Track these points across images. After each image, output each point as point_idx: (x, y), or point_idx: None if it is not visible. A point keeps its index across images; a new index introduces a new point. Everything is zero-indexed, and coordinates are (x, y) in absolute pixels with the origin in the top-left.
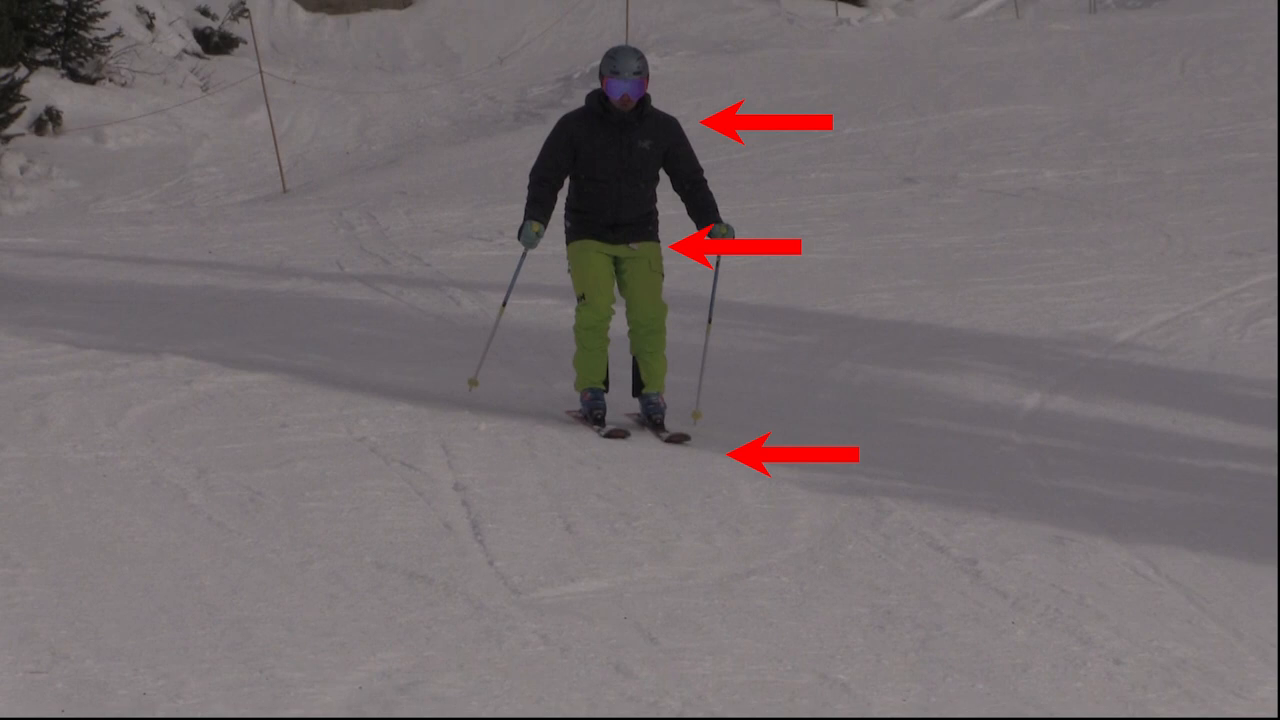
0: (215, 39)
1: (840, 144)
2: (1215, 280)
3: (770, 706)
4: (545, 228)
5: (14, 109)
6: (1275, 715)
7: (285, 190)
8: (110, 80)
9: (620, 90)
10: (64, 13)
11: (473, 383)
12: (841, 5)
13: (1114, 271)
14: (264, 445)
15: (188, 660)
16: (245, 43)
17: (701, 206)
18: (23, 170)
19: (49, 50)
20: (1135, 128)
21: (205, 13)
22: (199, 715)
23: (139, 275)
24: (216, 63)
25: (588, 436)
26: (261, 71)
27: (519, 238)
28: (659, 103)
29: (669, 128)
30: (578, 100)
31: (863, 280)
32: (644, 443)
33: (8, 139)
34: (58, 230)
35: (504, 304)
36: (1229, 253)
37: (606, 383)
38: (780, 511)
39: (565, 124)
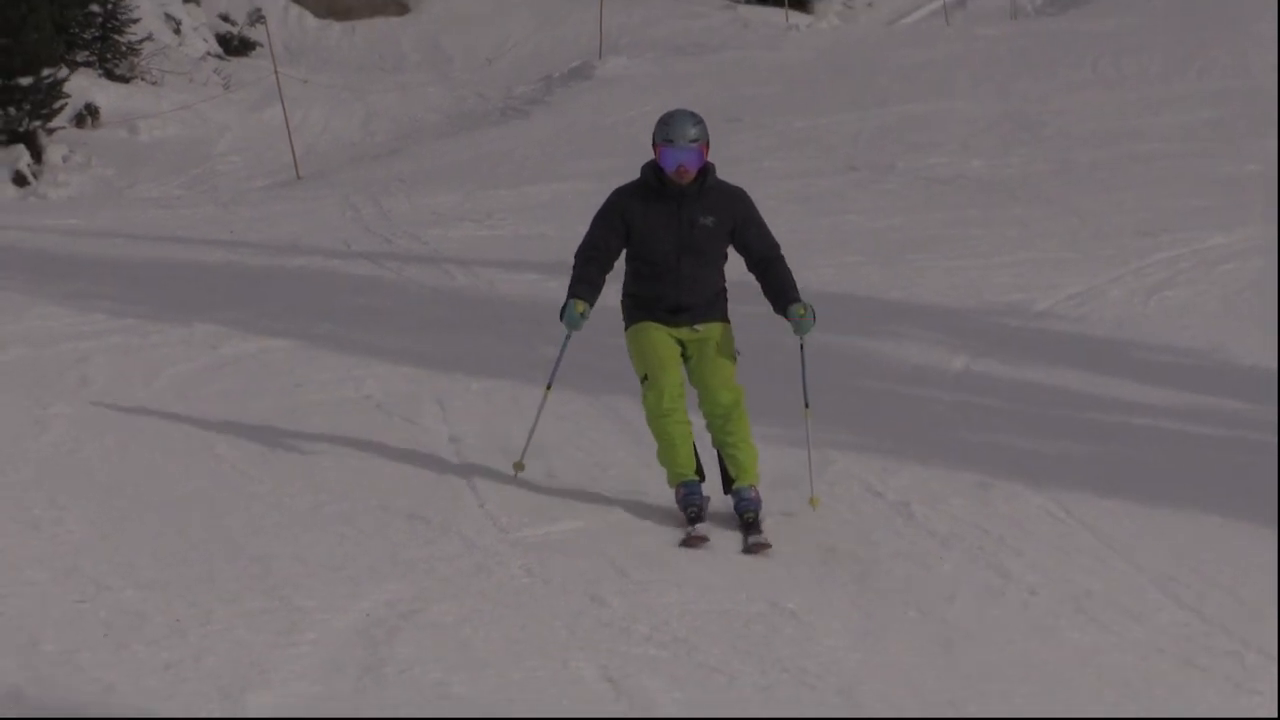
0: (235, 42)
1: (791, 136)
2: (1123, 257)
3: (727, 631)
4: (591, 308)
5: (56, 105)
6: (1275, 716)
7: (298, 177)
8: (142, 79)
9: (675, 161)
10: (101, 19)
11: (519, 466)
12: (792, 12)
13: (1033, 249)
14: (282, 403)
15: (215, 591)
16: (262, 46)
17: (778, 287)
18: (65, 159)
19: (87, 52)
20: (1052, 121)
21: (226, 19)
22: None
23: (169, 253)
24: (236, 64)
25: (568, 395)
26: (276, 71)
27: (561, 318)
28: (627, 105)
29: (736, 201)
30: (558, 97)
31: (811, 257)
32: (620, 412)
33: (51, 131)
34: (96, 213)
35: (549, 386)
36: (1135, 233)
37: (700, 471)
38: None
39: (617, 197)
